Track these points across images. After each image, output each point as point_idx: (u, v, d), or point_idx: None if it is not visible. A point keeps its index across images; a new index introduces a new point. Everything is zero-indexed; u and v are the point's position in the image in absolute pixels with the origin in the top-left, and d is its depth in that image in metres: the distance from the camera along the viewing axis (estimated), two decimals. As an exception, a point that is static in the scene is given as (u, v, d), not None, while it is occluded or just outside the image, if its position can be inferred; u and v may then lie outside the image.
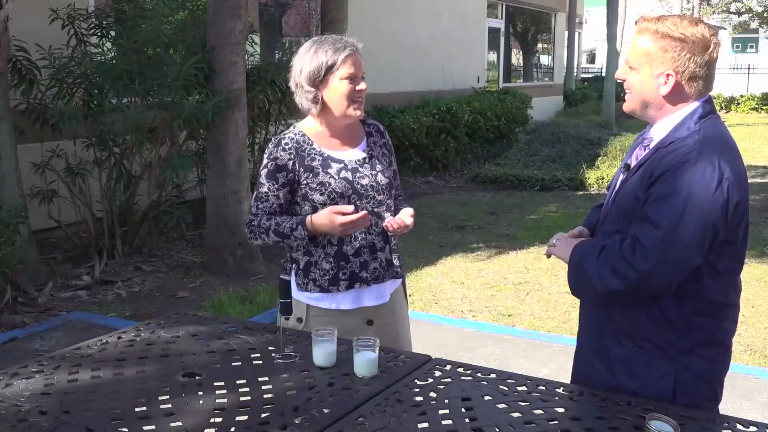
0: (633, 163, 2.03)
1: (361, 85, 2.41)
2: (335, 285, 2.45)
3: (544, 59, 20.71)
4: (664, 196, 1.83)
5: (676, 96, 1.92)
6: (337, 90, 2.38)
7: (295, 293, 2.48)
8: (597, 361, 2.03)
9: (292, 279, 2.49)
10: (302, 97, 2.43)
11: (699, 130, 1.89)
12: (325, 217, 2.34)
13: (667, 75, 1.90)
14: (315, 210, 2.42)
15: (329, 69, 2.36)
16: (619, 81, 2.06)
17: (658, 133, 1.97)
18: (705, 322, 1.93)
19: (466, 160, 12.08)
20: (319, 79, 2.38)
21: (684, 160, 1.83)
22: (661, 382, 1.92)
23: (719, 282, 1.92)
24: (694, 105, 1.93)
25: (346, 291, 2.45)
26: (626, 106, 2.02)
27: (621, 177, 2.07)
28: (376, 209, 2.47)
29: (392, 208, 2.56)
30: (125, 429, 1.76)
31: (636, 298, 1.92)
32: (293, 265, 2.50)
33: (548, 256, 2.18)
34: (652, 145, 1.97)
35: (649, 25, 1.93)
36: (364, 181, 2.45)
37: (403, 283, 2.68)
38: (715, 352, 1.96)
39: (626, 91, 2.01)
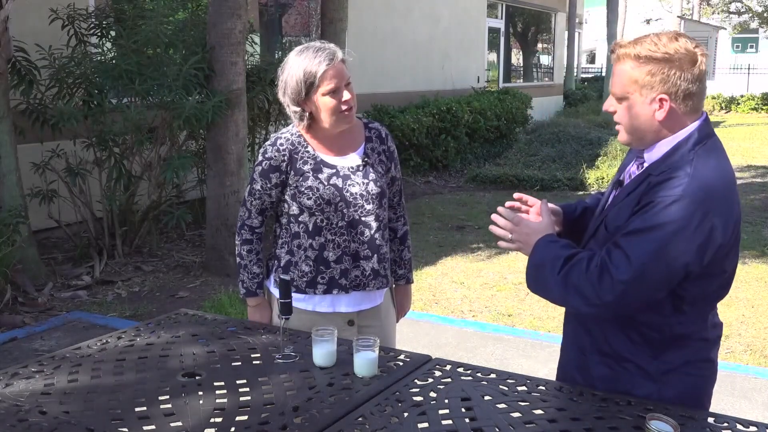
0: (626, 179, 1.94)
1: (346, 96, 2.33)
2: (312, 288, 2.44)
3: (544, 59, 20.70)
4: (640, 231, 1.74)
5: (672, 119, 1.80)
6: (322, 106, 2.33)
7: (273, 289, 2.50)
8: (579, 376, 1.99)
9: (272, 275, 2.52)
10: (291, 115, 2.41)
11: (692, 160, 1.77)
12: (263, 317, 2.55)
13: (661, 99, 1.78)
14: (302, 212, 2.41)
15: (309, 87, 2.31)
16: (608, 113, 1.92)
17: (652, 154, 1.86)
18: (688, 342, 1.86)
19: (466, 160, 12.08)
20: (301, 99, 2.34)
21: (668, 195, 1.73)
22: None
23: (700, 308, 1.86)
24: (689, 129, 1.81)
25: (323, 295, 2.45)
26: (621, 138, 1.89)
27: (613, 193, 1.97)
28: (363, 218, 2.43)
29: (383, 218, 2.50)
30: (125, 429, 1.76)
31: (615, 320, 1.87)
32: (274, 262, 2.51)
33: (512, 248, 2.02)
34: (645, 164, 1.88)
35: (628, 51, 1.79)
36: (354, 189, 2.41)
37: (391, 290, 2.65)
38: (700, 368, 1.89)
39: (617, 123, 1.87)
